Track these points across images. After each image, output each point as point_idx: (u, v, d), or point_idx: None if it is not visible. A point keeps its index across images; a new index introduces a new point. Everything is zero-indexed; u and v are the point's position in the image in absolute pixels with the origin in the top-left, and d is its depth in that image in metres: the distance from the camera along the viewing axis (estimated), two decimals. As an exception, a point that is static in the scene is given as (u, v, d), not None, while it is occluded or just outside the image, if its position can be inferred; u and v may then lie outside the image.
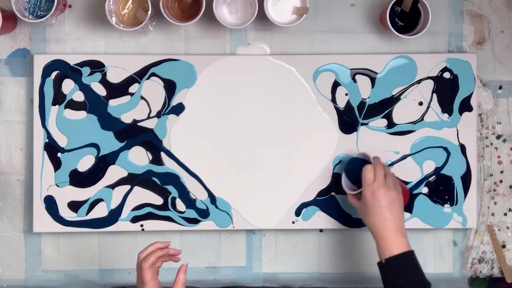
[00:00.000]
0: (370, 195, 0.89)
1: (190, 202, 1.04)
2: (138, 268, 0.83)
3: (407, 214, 1.05)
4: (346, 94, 1.05)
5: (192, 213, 1.04)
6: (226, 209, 1.04)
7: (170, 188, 1.04)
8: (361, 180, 0.92)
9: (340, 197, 1.05)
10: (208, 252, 1.07)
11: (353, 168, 0.99)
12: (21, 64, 1.06)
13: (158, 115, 1.04)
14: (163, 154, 1.04)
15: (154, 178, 1.04)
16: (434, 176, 1.05)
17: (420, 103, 1.05)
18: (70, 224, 1.04)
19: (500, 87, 1.08)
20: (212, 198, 1.04)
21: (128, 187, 1.04)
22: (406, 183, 1.05)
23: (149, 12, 0.99)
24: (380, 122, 1.05)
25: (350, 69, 1.05)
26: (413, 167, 1.05)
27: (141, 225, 1.04)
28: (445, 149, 1.05)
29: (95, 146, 1.04)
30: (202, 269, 1.07)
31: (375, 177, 0.91)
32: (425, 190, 1.05)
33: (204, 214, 1.04)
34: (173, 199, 1.04)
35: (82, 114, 1.04)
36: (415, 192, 1.05)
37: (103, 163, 1.04)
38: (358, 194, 0.95)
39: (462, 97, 1.05)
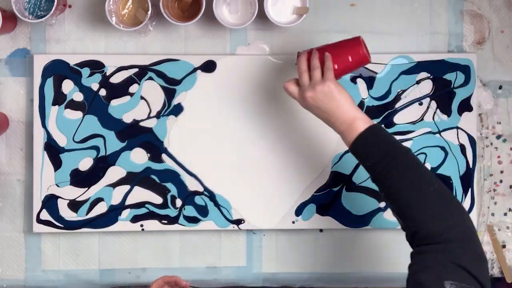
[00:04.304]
0: (305, 104, 0.87)
1: (189, 199, 1.04)
2: None
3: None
4: (346, 94, 1.05)
5: (191, 211, 1.04)
6: (226, 209, 1.05)
7: (169, 185, 1.04)
8: None
9: (339, 192, 1.05)
10: (208, 252, 1.07)
11: None
12: (21, 64, 1.06)
13: (158, 115, 1.04)
14: (164, 155, 1.04)
15: (153, 176, 1.04)
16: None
17: (420, 103, 1.05)
18: (70, 224, 1.04)
19: (500, 87, 1.08)
20: (212, 196, 1.04)
21: (128, 187, 1.04)
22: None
23: (149, 12, 0.99)
24: (379, 122, 1.05)
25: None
26: (413, 167, 1.05)
27: (141, 225, 1.04)
28: (444, 149, 1.05)
29: (96, 146, 1.04)
30: (202, 269, 1.07)
31: (300, 84, 0.88)
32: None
33: (203, 211, 1.04)
34: (173, 197, 1.04)
35: (83, 114, 1.04)
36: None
37: (103, 163, 1.04)
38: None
39: (462, 97, 1.05)
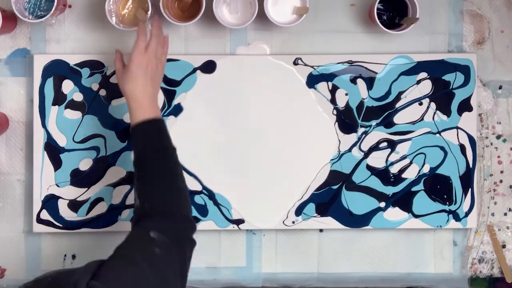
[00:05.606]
0: (136, 63, 0.88)
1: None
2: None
3: (406, 214, 1.05)
4: (346, 94, 1.05)
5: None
6: (226, 208, 1.05)
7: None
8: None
9: (338, 190, 1.05)
10: (208, 252, 1.07)
11: None
12: (21, 64, 1.06)
13: (158, 115, 1.04)
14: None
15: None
16: (432, 176, 1.05)
17: (420, 103, 1.05)
18: (70, 224, 1.04)
19: (500, 87, 1.08)
20: (211, 195, 1.04)
21: (128, 187, 1.04)
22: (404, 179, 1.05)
23: (149, 12, 0.99)
24: (379, 122, 1.05)
25: (350, 69, 1.05)
26: (413, 167, 1.05)
27: (141, 225, 1.04)
28: (444, 149, 1.05)
29: (96, 146, 1.04)
30: (202, 269, 1.07)
31: (148, 44, 0.90)
32: (424, 189, 1.05)
33: (203, 211, 1.04)
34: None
35: (83, 114, 1.04)
36: (413, 189, 1.05)
37: (104, 163, 1.04)
38: None
39: (462, 97, 1.05)
